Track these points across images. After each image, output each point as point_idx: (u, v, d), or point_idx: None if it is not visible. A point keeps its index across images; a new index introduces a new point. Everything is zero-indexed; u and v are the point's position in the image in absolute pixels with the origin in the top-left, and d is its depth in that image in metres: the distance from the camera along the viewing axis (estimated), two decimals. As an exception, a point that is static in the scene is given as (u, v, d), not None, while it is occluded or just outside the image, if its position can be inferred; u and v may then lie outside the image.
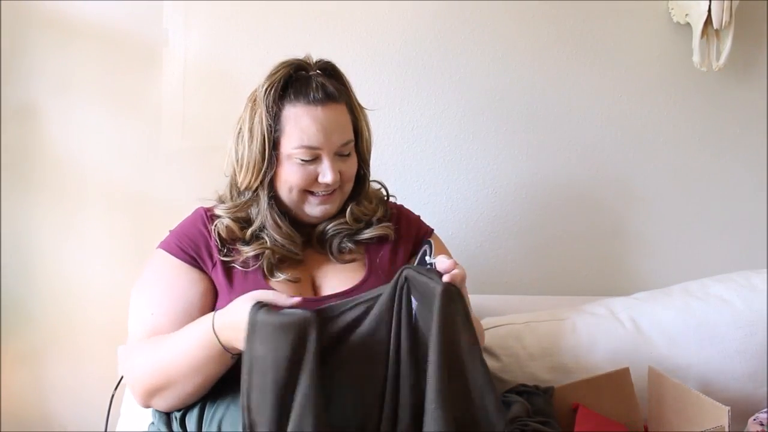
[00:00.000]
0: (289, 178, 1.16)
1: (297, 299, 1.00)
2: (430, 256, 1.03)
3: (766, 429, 1.33)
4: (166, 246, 1.19)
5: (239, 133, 1.18)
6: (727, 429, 1.17)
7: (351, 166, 1.20)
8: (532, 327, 1.49)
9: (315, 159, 1.15)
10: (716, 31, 1.69)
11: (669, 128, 1.80)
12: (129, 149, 1.63)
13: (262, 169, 1.15)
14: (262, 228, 1.18)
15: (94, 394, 1.59)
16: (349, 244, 1.22)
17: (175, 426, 1.11)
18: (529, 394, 1.32)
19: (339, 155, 1.18)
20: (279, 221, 1.18)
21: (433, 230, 1.33)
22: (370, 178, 1.28)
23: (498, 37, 1.72)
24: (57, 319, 1.64)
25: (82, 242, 1.64)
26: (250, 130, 1.15)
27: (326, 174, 1.15)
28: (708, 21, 1.66)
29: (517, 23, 1.72)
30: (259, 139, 1.14)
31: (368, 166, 1.26)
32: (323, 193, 1.18)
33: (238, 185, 1.19)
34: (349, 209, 1.22)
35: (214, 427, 1.05)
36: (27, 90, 1.60)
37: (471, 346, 0.96)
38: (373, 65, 1.68)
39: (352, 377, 1.00)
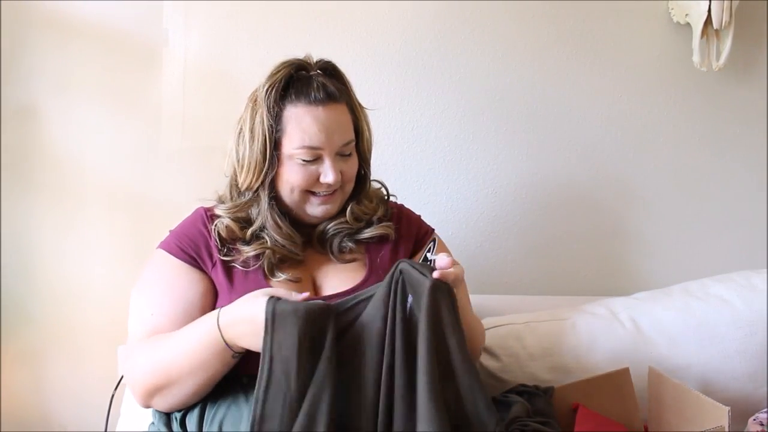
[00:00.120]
0: (291, 178, 1.16)
1: (306, 295, 1.02)
2: (431, 252, 1.04)
3: (766, 429, 1.33)
4: (166, 246, 1.19)
5: (240, 133, 1.18)
6: (727, 429, 1.16)
7: (352, 166, 1.20)
8: (532, 327, 1.49)
9: (316, 159, 1.15)
10: (716, 31, 1.69)
11: (669, 128, 1.80)
12: (129, 149, 1.63)
13: (263, 170, 1.15)
14: (262, 228, 1.18)
15: (94, 394, 1.59)
16: (350, 244, 1.22)
17: (176, 426, 1.11)
18: (529, 394, 1.32)
19: (340, 155, 1.18)
20: (279, 221, 1.18)
21: (433, 230, 1.33)
22: (371, 178, 1.28)
23: (498, 37, 1.72)
24: (57, 319, 1.64)
25: (82, 242, 1.63)
26: (251, 131, 1.15)
27: (328, 174, 1.15)
28: (708, 21, 1.66)
29: (517, 23, 1.72)
30: (260, 140, 1.14)
31: (369, 165, 1.26)
32: (324, 193, 1.18)
33: (239, 185, 1.19)
34: (349, 208, 1.22)
35: (215, 428, 1.05)
36: (27, 90, 1.59)
37: (459, 345, 0.97)
38: (373, 65, 1.68)
39: (352, 368, 1.01)
